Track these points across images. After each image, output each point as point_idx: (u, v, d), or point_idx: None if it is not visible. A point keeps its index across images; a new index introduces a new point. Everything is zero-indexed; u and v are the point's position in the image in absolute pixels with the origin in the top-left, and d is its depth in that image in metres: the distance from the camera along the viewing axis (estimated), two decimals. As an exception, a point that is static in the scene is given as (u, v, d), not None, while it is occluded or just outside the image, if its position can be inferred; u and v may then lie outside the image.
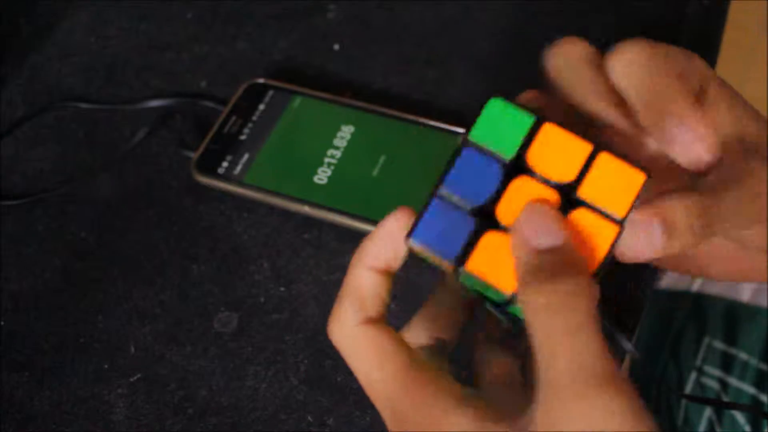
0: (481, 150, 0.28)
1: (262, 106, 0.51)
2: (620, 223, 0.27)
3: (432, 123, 0.50)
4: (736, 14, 0.64)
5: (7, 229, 0.49)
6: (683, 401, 0.62)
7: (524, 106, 0.28)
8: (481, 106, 0.29)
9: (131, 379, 0.43)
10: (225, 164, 0.49)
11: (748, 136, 0.29)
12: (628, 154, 0.28)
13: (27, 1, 0.60)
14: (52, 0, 0.60)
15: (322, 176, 0.48)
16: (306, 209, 0.47)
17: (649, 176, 0.27)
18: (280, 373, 0.43)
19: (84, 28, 0.59)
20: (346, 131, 0.50)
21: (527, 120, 0.28)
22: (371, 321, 0.29)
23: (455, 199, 0.28)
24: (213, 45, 0.57)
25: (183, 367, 0.43)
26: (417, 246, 0.28)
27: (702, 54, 0.59)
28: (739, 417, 0.59)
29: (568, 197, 0.27)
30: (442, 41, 0.57)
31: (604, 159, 0.27)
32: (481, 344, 0.33)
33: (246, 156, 0.49)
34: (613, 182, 0.27)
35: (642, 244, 0.27)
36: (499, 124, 0.28)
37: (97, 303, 0.46)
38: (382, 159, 0.49)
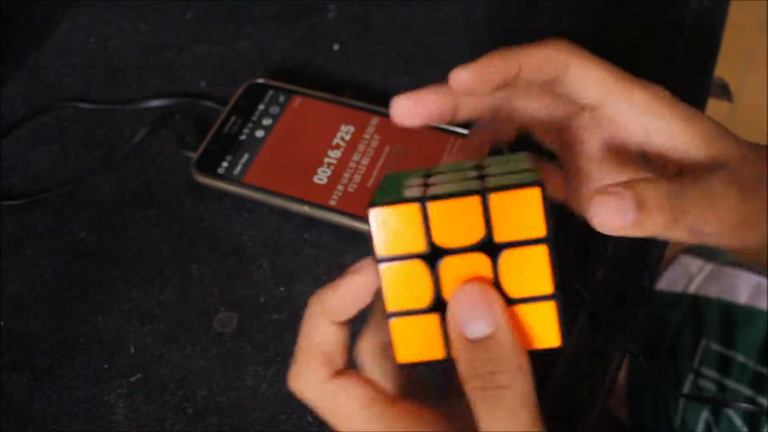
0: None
1: (262, 106, 0.52)
2: (546, 241, 0.27)
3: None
4: (736, 14, 0.64)
5: (7, 229, 0.49)
6: (680, 403, 0.62)
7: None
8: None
9: (131, 379, 0.43)
10: (225, 164, 0.49)
11: (718, 156, 0.32)
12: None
13: (27, 1, 0.60)
14: (52, 0, 0.60)
15: (322, 176, 0.48)
16: (306, 209, 0.47)
17: (542, 186, 0.27)
18: (280, 373, 0.43)
19: (84, 28, 0.59)
20: (346, 131, 0.50)
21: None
22: (340, 373, 0.29)
23: None
24: (213, 45, 0.57)
25: (183, 367, 0.43)
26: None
27: (702, 54, 0.59)
28: (736, 419, 0.59)
29: (492, 248, 0.27)
30: (442, 41, 0.57)
31: (496, 198, 0.27)
32: None
33: (246, 156, 0.49)
34: (518, 212, 0.27)
35: (615, 212, 0.28)
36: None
37: (97, 303, 0.46)
38: (382, 159, 0.49)
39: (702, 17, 0.57)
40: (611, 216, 0.28)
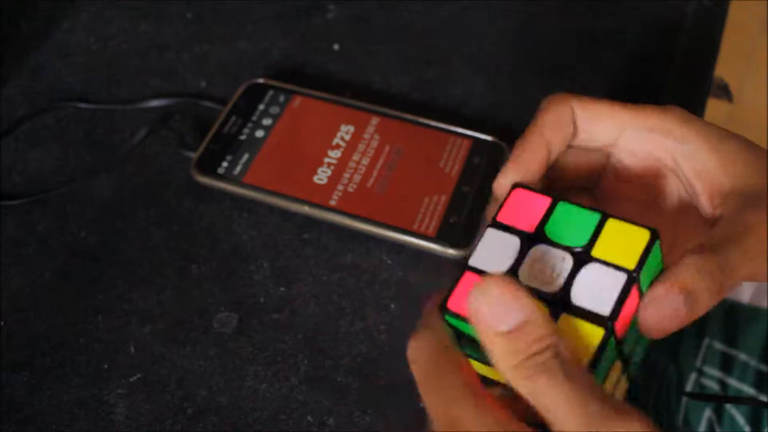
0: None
1: (262, 106, 0.52)
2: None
3: (432, 123, 0.50)
4: (736, 14, 0.64)
5: (7, 229, 0.49)
6: (683, 402, 0.62)
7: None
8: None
9: (131, 379, 0.43)
10: (225, 164, 0.49)
11: (748, 187, 0.31)
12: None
13: (27, 1, 0.60)
14: (52, 0, 0.60)
15: (322, 176, 0.48)
16: (306, 209, 0.47)
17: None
18: (280, 373, 0.43)
19: (84, 28, 0.59)
20: (346, 131, 0.50)
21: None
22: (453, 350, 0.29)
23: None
24: (213, 45, 0.57)
25: (183, 367, 0.43)
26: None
27: (702, 54, 0.59)
28: (739, 417, 0.59)
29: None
30: (442, 41, 0.57)
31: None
32: None
33: (246, 156, 0.49)
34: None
35: (668, 317, 0.28)
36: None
37: (97, 303, 0.46)
38: (382, 159, 0.49)
39: (702, 17, 0.57)
40: (666, 324, 0.28)
